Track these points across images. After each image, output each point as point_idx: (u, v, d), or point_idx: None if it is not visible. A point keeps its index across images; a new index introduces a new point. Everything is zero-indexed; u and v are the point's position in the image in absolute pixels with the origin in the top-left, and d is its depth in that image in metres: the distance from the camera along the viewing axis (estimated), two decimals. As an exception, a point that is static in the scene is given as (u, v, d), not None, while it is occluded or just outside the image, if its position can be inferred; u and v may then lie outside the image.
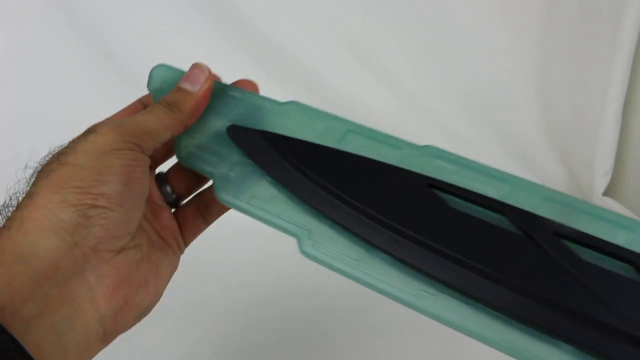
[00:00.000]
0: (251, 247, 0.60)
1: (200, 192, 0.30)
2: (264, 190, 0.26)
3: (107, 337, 0.23)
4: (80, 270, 0.21)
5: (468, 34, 0.75)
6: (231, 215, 0.29)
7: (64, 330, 0.20)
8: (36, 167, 0.24)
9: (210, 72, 0.27)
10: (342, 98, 0.75)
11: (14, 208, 0.23)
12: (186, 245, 0.29)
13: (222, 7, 0.75)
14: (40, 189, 0.22)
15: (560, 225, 0.21)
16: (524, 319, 0.20)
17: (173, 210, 0.30)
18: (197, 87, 0.26)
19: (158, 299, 0.26)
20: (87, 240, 0.22)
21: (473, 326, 0.22)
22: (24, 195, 0.23)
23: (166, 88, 0.28)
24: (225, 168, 0.27)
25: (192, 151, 0.28)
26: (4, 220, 0.23)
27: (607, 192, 0.77)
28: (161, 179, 0.29)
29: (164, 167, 0.30)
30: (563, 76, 0.75)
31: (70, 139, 0.25)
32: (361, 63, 0.77)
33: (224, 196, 0.27)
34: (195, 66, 0.27)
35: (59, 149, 0.24)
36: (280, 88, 0.74)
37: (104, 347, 0.23)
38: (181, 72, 0.29)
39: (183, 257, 0.29)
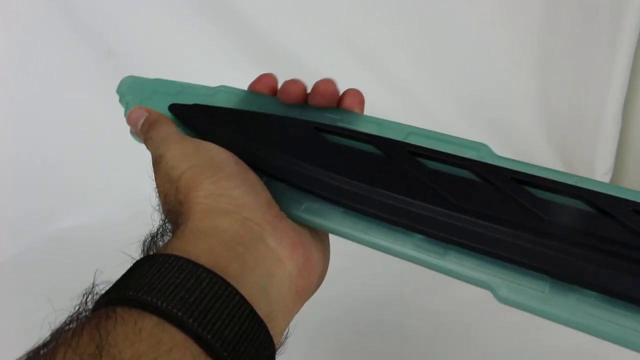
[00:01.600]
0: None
1: None
2: None
3: (299, 295, 0.25)
4: (260, 236, 0.24)
5: (468, 33, 0.75)
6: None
7: (265, 286, 0.23)
8: (159, 201, 0.28)
9: (138, 107, 0.33)
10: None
11: (172, 225, 0.26)
12: None
13: (222, 7, 0.75)
14: (181, 200, 0.25)
15: (412, 145, 0.27)
16: (461, 244, 0.24)
17: None
18: (144, 115, 0.32)
19: (327, 263, 0.28)
20: (253, 214, 0.24)
21: (408, 251, 0.25)
22: (172, 216, 0.26)
23: (129, 91, 0.37)
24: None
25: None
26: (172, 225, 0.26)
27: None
28: None
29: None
30: (563, 76, 0.75)
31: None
32: (361, 63, 0.77)
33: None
34: (130, 114, 0.34)
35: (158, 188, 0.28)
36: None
37: (300, 307, 0.26)
38: (146, 79, 0.37)
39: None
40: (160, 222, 0.28)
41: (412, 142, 0.27)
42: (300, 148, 0.28)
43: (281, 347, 0.24)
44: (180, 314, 0.19)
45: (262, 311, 0.21)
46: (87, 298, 0.22)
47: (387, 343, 0.51)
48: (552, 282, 0.22)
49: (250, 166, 0.27)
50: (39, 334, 0.22)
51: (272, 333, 0.22)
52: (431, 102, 0.78)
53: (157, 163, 0.28)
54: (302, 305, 0.26)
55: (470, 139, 0.27)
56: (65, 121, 0.78)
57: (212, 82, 0.37)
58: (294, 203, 0.27)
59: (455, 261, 0.23)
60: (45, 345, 0.19)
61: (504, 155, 0.27)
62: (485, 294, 0.23)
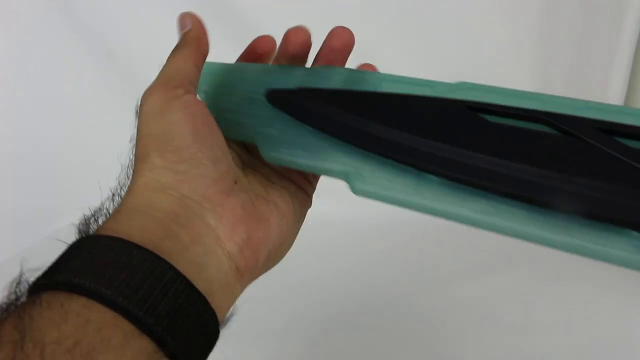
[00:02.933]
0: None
1: None
2: (306, 139, 0.26)
3: (241, 274, 0.24)
4: (198, 214, 0.23)
5: (468, 33, 0.75)
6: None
7: (202, 265, 0.22)
8: (128, 158, 0.26)
9: (191, 13, 0.30)
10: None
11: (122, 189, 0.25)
12: (316, 179, 0.30)
13: (222, 7, 0.75)
14: (136, 169, 0.24)
15: (599, 121, 0.21)
16: (589, 213, 0.20)
17: None
18: (188, 26, 0.29)
19: (286, 238, 0.27)
20: (193, 191, 0.23)
21: (537, 231, 0.21)
22: (125, 179, 0.26)
23: (207, 79, 0.31)
24: (265, 128, 0.28)
25: (231, 118, 0.29)
26: (115, 203, 0.25)
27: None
28: None
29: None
30: (563, 76, 0.75)
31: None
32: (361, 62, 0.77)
33: (270, 153, 0.27)
34: (179, 17, 0.30)
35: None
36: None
37: (244, 286, 0.24)
38: (223, 65, 0.33)
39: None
40: (103, 203, 0.27)
41: (592, 115, 0.22)
42: (459, 136, 0.23)
43: (226, 324, 0.23)
44: (109, 292, 0.18)
45: (199, 287, 0.21)
46: (15, 288, 0.21)
47: (386, 342, 0.51)
48: None
49: (399, 162, 0.23)
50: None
51: (213, 307, 0.21)
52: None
53: (138, 108, 0.26)
54: (248, 283, 0.25)
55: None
56: (66, 121, 0.78)
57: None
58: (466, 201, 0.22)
59: None
60: None
61: None
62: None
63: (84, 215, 0.25)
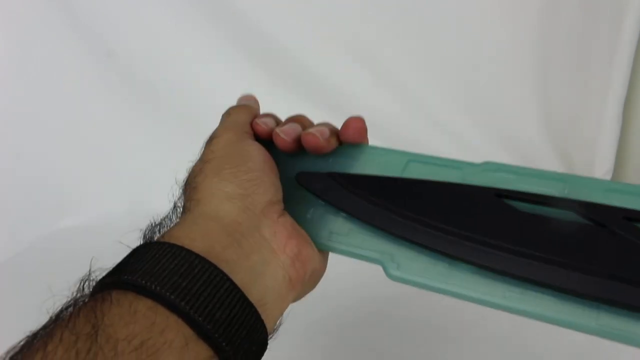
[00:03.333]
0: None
1: None
2: (341, 225, 0.28)
3: (292, 284, 0.26)
4: (257, 225, 0.25)
5: (468, 34, 0.75)
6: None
7: (259, 273, 0.24)
8: (186, 178, 0.29)
9: (249, 94, 0.34)
10: (343, 99, 0.75)
11: (184, 202, 0.27)
12: None
13: (221, 7, 0.75)
14: (199, 182, 0.27)
15: (628, 210, 0.22)
16: (613, 301, 0.21)
17: None
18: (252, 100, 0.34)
19: (323, 264, 0.29)
20: (254, 205, 0.26)
21: (564, 316, 0.22)
22: (186, 193, 0.28)
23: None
24: (301, 212, 0.29)
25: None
26: (178, 213, 0.28)
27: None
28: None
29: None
30: (563, 76, 0.75)
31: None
32: (362, 65, 0.77)
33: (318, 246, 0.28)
34: (243, 97, 0.34)
35: (196, 162, 0.29)
36: (280, 89, 0.75)
37: (292, 299, 0.27)
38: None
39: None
40: (168, 212, 0.29)
41: (614, 201, 0.23)
42: (487, 224, 0.24)
43: (274, 333, 0.25)
44: (172, 297, 0.20)
45: (254, 297, 0.22)
46: (84, 284, 0.22)
47: (385, 342, 0.51)
48: None
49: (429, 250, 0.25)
50: (54, 300, 0.22)
51: (264, 317, 0.23)
52: (432, 103, 0.78)
53: (209, 139, 0.30)
54: (296, 297, 0.27)
55: None
56: (66, 121, 0.78)
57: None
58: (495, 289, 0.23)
59: None
60: (44, 327, 0.20)
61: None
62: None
63: (150, 222, 0.28)
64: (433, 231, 0.25)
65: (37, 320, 0.21)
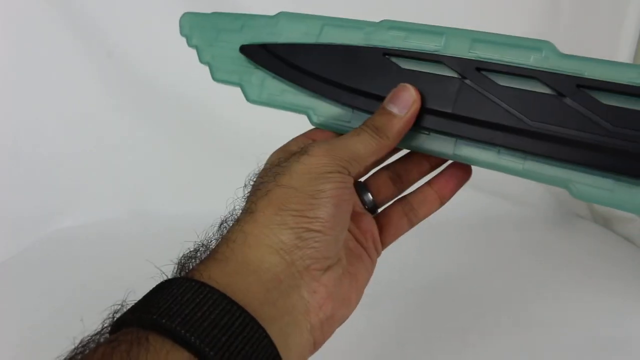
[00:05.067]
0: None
1: (406, 195, 0.32)
2: (276, 86, 0.33)
3: (315, 346, 0.25)
4: (296, 284, 0.24)
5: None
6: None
7: (288, 335, 0.23)
8: (253, 184, 0.27)
9: (417, 93, 0.28)
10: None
11: (235, 222, 0.25)
12: (384, 247, 0.31)
13: (221, 7, 0.75)
14: (260, 207, 0.24)
15: (481, 62, 0.28)
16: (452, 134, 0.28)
17: (373, 215, 0.32)
18: (404, 111, 0.28)
19: (350, 313, 0.28)
20: (302, 260, 0.24)
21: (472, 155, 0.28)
22: (243, 210, 0.26)
23: (193, 32, 0.37)
24: (247, 77, 0.34)
25: (223, 67, 0.36)
26: (225, 230, 0.25)
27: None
28: (362, 187, 0.32)
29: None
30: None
31: (284, 159, 0.27)
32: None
33: (251, 98, 0.34)
34: (403, 88, 0.28)
35: (274, 168, 0.26)
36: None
37: (310, 356, 0.25)
38: (205, 15, 0.37)
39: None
40: (213, 229, 0.27)
41: (477, 51, 0.28)
42: (365, 75, 0.30)
43: None
44: (212, 353, 0.19)
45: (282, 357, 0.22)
46: (114, 316, 0.21)
47: (386, 341, 0.51)
48: (618, 179, 0.25)
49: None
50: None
51: None
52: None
53: (301, 151, 0.26)
54: (312, 355, 0.26)
55: (533, 38, 0.28)
56: (66, 121, 0.78)
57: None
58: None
59: (532, 168, 0.27)
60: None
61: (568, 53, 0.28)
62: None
63: (189, 249, 0.26)
64: (338, 89, 0.31)
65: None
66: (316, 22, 0.33)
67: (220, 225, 0.26)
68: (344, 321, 0.27)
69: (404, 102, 0.27)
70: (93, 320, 0.22)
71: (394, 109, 0.27)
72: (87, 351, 0.19)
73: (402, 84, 0.28)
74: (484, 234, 0.73)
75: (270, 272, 0.23)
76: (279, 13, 0.34)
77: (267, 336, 0.21)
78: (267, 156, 0.29)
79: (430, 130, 0.29)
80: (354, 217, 0.29)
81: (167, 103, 0.78)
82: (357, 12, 0.74)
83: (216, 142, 0.80)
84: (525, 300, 0.56)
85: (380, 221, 0.31)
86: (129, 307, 0.21)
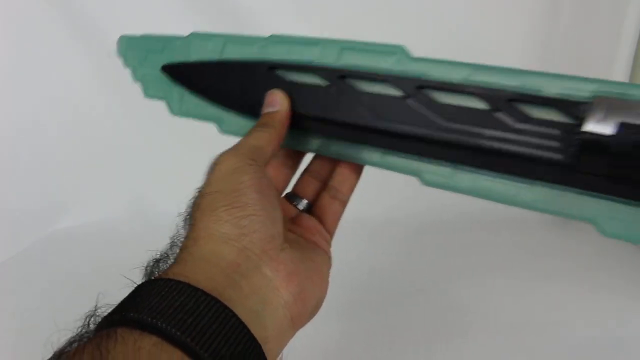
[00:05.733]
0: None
1: (328, 182, 0.35)
2: (192, 101, 0.37)
3: (294, 322, 0.26)
4: (257, 265, 0.25)
5: (468, 34, 0.75)
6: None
7: (259, 312, 0.24)
8: (186, 209, 0.29)
9: (282, 92, 0.33)
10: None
11: (182, 237, 0.27)
12: (331, 235, 0.34)
13: (222, 7, 0.75)
14: (196, 218, 0.26)
15: (344, 70, 0.31)
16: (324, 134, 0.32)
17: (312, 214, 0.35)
18: (277, 107, 0.32)
19: (324, 295, 0.30)
20: (252, 244, 0.26)
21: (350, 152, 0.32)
22: (185, 227, 0.28)
23: (127, 54, 0.41)
24: (170, 93, 0.38)
25: (151, 84, 0.39)
26: (177, 248, 0.27)
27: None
28: (292, 196, 0.35)
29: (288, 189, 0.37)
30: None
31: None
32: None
33: (174, 111, 0.38)
34: (270, 93, 0.33)
35: (197, 189, 0.29)
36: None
37: (293, 333, 0.27)
38: (136, 38, 0.40)
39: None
40: (168, 244, 0.28)
41: (344, 60, 0.32)
42: (256, 88, 0.34)
43: None
44: (178, 333, 0.20)
45: (256, 335, 0.23)
46: (89, 320, 0.22)
47: (384, 341, 0.51)
48: (455, 166, 0.29)
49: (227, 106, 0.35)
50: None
51: (266, 355, 0.23)
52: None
53: (212, 165, 0.29)
54: (295, 332, 0.27)
55: (389, 44, 0.31)
56: (66, 121, 0.78)
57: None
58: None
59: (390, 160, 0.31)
60: None
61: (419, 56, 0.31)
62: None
63: (151, 258, 0.27)
64: (238, 101, 0.35)
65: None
66: (219, 40, 0.36)
67: (172, 243, 0.28)
68: (318, 302, 0.29)
69: (274, 101, 0.32)
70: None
71: (270, 108, 0.32)
72: (63, 353, 0.20)
73: (270, 90, 0.33)
74: (483, 235, 0.73)
75: (225, 259, 0.25)
76: (190, 34, 0.37)
77: (234, 315, 0.22)
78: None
79: (310, 132, 0.33)
80: (297, 221, 0.33)
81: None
82: (357, 11, 0.75)
83: (216, 142, 0.80)
84: (524, 300, 0.56)
85: (318, 214, 0.34)
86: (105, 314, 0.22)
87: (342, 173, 0.34)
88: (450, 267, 0.64)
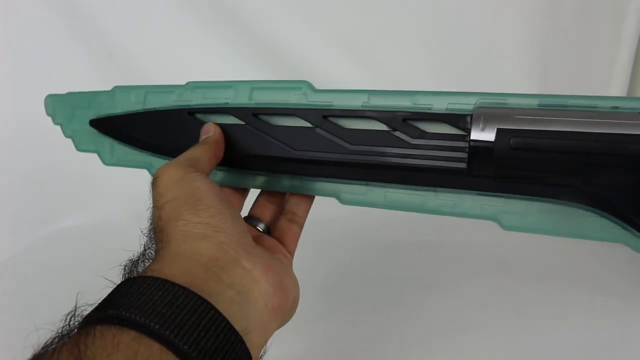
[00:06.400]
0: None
1: (284, 207, 0.37)
2: (122, 150, 0.40)
3: (275, 311, 0.27)
4: (234, 258, 0.26)
5: (468, 34, 0.75)
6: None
7: (241, 304, 0.25)
8: (147, 227, 0.30)
9: (214, 124, 0.35)
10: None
11: (155, 245, 0.28)
12: (291, 254, 0.35)
13: (222, 7, 0.75)
14: (163, 227, 0.27)
15: (256, 108, 0.34)
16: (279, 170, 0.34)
17: (270, 235, 0.36)
18: (212, 132, 0.34)
19: (298, 295, 0.30)
20: (228, 239, 0.26)
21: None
22: (152, 240, 0.28)
23: (56, 112, 0.42)
24: (101, 145, 0.41)
25: (81, 139, 0.41)
26: (152, 251, 0.28)
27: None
28: (251, 219, 0.36)
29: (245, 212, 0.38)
30: (563, 76, 0.75)
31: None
32: (359, 62, 0.77)
33: (106, 162, 0.41)
34: (205, 125, 0.35)
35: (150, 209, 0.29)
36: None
37: (277, 324, 0.27)
38: (62, 96, 0.41)
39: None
40: (141, 248, 0.29)
41: (256, 98, 0.34)
42: (179, 132, 0.36)
43: None
44: (157, 326, 0.20)
45: (238, 325, 0.23)
46: (69, 320, 0.23)
47: (383, 341, 0.51)
48: (367, 184, 0.32)
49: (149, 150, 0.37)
50: (39, 334, 0.22)
51: (248, 346, 0.23)
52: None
53: (152, 181, 0.30)
54: (280, 325, 0.28)
55: (294, 80, 0.33)
56: (65, 121, 0.78)
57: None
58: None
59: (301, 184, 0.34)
60: None
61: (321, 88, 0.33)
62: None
63: (129, 260, 0.28)
64: (165, 146, 0.37)
65: (36, 322, 0.21)
66: (140, 91, 0.38)
67: (145, 247, 0.29)
68: (295, 289, 0.29)
69: (207, 129, 0.34)
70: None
71: (205, 135, 0.34)
72: (44, 353, 0.20)
73: (204, 124, 0.35)
74: (482, 235, 0.73)
75: (205, 255, 0.25)
76: (113, 88, 0.39)
77: (212, 307, 0.22)
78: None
79: (242, 168, 0.35)
80: (258, 241, 0.34)
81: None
82: (357, 10, 0.75)
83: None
84: (524, 300, 0.56)
85: (277, 236, 0.35)
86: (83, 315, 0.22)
87: (295, 196, 0.36)
88: (448, 267, 0.64)
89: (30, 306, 0.58)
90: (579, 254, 0.67)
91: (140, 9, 0.75)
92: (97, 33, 0.75)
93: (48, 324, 0.24)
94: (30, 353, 0.20)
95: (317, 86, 0.33)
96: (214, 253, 0.25)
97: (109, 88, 0.40)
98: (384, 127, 0.30)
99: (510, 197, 0.28)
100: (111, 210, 0.78)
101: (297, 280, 0.30)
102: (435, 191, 0.30)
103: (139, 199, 0.90)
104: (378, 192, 0.32)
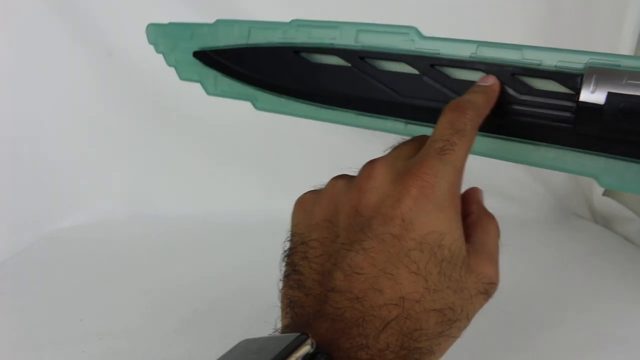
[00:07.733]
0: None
1: None
2: (226, 82, 0.40)
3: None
4: None
5: (468, 34, 0.75)
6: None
7: None
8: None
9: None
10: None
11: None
12: None
13: (222, 7, 0.75)
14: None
15: (362, 51, 0.33)
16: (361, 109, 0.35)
17: None
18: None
19: None
20: None
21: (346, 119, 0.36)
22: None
23: (158, 41, 0.44)
24: (204, 75, 0.41)
25: (184, 69, 0.43)
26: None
27: (607, 192, 0.77)
28: None
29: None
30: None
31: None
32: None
33: (210, 91, 0.41)
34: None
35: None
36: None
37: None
38: (164, 25, 0.44)
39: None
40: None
41: (362, 41, 0.34)
42: (285, 70, 0.37)
43: None
44: None
45: None
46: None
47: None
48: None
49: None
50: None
51: None
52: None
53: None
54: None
55: (402, 25, 0.33)
56: (66, 121, 0.78)
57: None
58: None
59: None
60: None
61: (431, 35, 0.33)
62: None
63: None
64: (270, 80, 0.37)
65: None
66: (244, 26, 0.39)
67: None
68: None
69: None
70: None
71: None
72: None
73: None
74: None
75: None
76: (216, 21, 0.40)
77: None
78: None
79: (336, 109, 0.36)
80: None
81: (167, 103, 0.78)
82: (356, 9, 0.74)
83: (217, 142, 0.80)
84: (523, 300, 0.56)
85: None
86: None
87: None
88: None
89: (30, 306, 0.58)
90: (579, 254, 0.67)
91: (140, 9, 0.75)
92: (97, 33, 0.75)
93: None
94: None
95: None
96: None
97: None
98: None
99: (611, 157, 0.28)
100: (111, 210, 0.78)
101: None
102: (537, 145, 0.30)
103: (140, 199, 0.90)
104: (480, 141, 0.31)
